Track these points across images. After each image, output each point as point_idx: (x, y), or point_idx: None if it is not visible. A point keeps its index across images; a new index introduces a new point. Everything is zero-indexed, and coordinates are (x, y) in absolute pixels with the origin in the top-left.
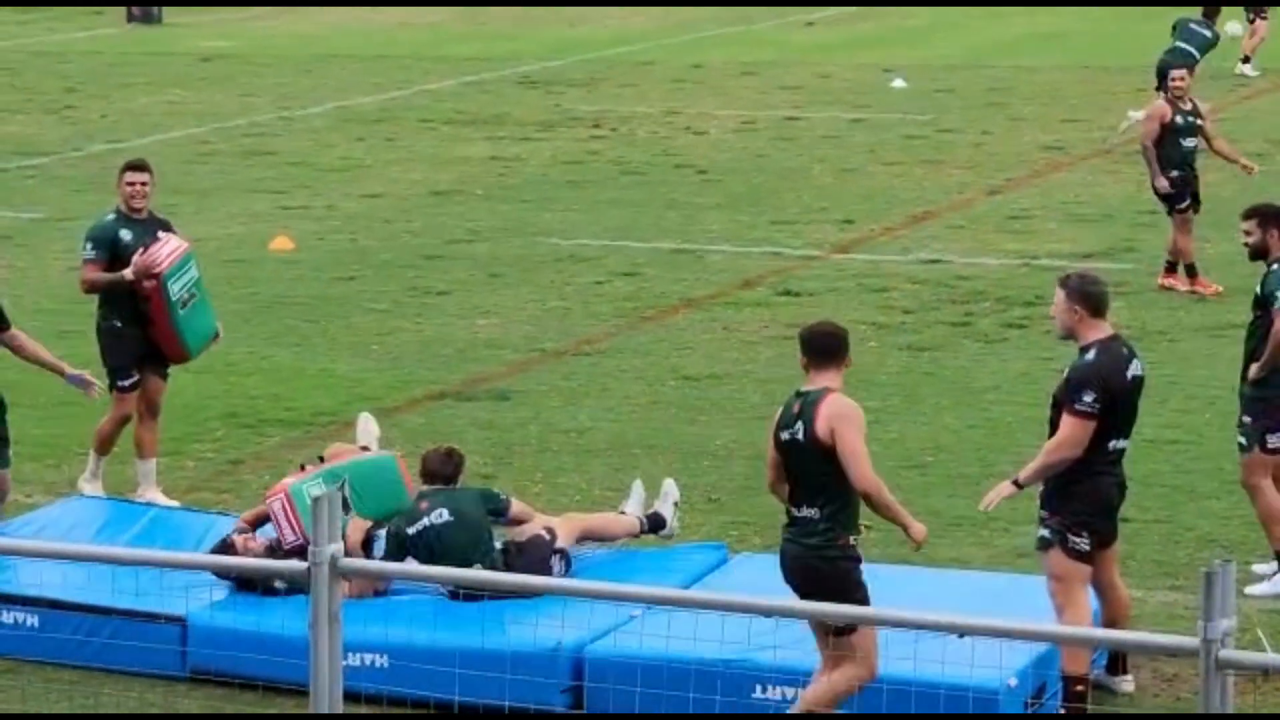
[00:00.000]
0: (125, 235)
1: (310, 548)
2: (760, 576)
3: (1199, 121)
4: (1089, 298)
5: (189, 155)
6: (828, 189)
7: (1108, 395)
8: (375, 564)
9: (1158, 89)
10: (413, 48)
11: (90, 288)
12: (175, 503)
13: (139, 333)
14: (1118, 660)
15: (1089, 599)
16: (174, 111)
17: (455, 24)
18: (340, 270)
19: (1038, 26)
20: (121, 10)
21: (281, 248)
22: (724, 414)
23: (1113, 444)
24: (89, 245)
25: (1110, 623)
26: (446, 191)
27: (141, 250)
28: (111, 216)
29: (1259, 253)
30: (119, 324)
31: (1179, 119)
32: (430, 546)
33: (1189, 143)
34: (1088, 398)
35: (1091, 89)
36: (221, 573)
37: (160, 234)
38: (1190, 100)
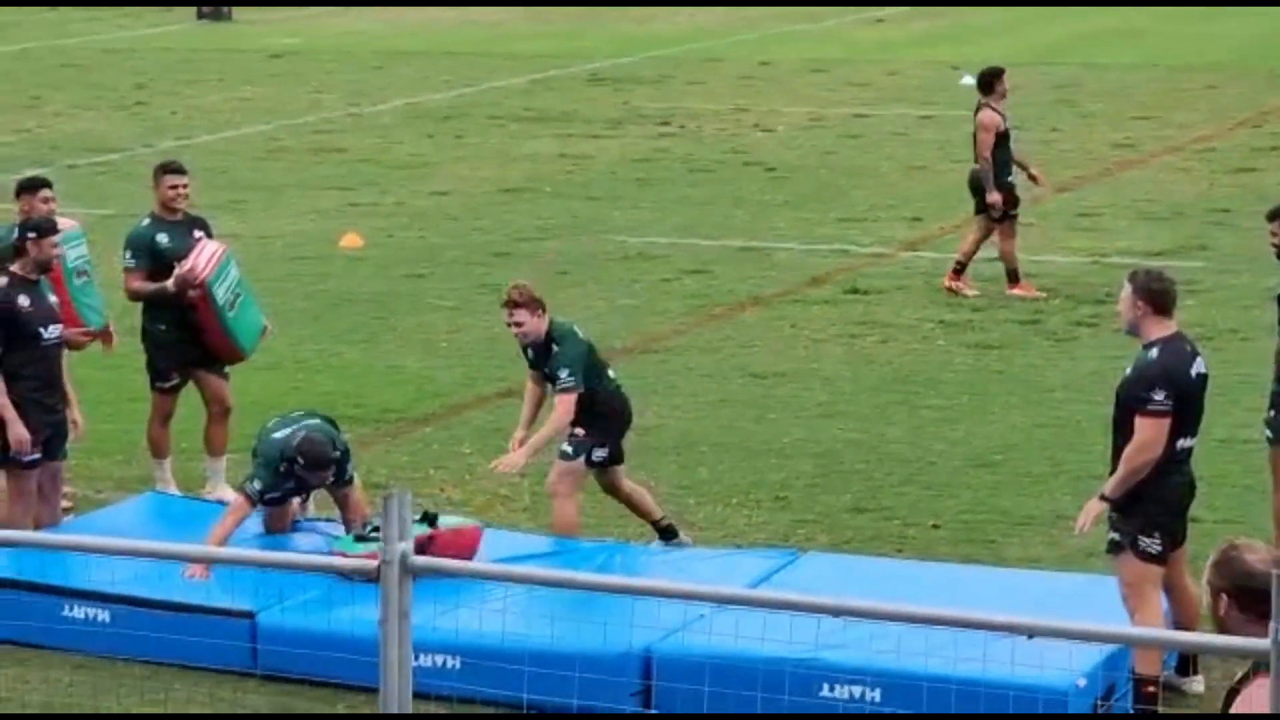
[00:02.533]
0: (162, 239)
1: (382, 545)
2: (827, 575)
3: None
4: (1154, 295)
5: (258, 152)
6: (896, 186)
7: (1175, 393)
8: (444, 562)
9: (984, 96)
10: (481, 45)
11: (134, 297)
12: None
13: (183, 337)
14: (1188, 661)
15: (1160, 600)
16: (243, 108)
17: (523, 21)
18: (409, 267)
19: (1107, 24)
20: (191, 7)
21: (350, 245)
22: (791, 412)
23: (1180, 443)
24: (128, 253)
25: (1180, 623)
26: (515, 189)
27: (179, 260)
28: (146, 221)
29: None
30: (163, 328)
31: (1007, 126)
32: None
33: (1014, 147)
34: (1158, 396)
35: (1161, 86)
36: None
37: (197, 233)
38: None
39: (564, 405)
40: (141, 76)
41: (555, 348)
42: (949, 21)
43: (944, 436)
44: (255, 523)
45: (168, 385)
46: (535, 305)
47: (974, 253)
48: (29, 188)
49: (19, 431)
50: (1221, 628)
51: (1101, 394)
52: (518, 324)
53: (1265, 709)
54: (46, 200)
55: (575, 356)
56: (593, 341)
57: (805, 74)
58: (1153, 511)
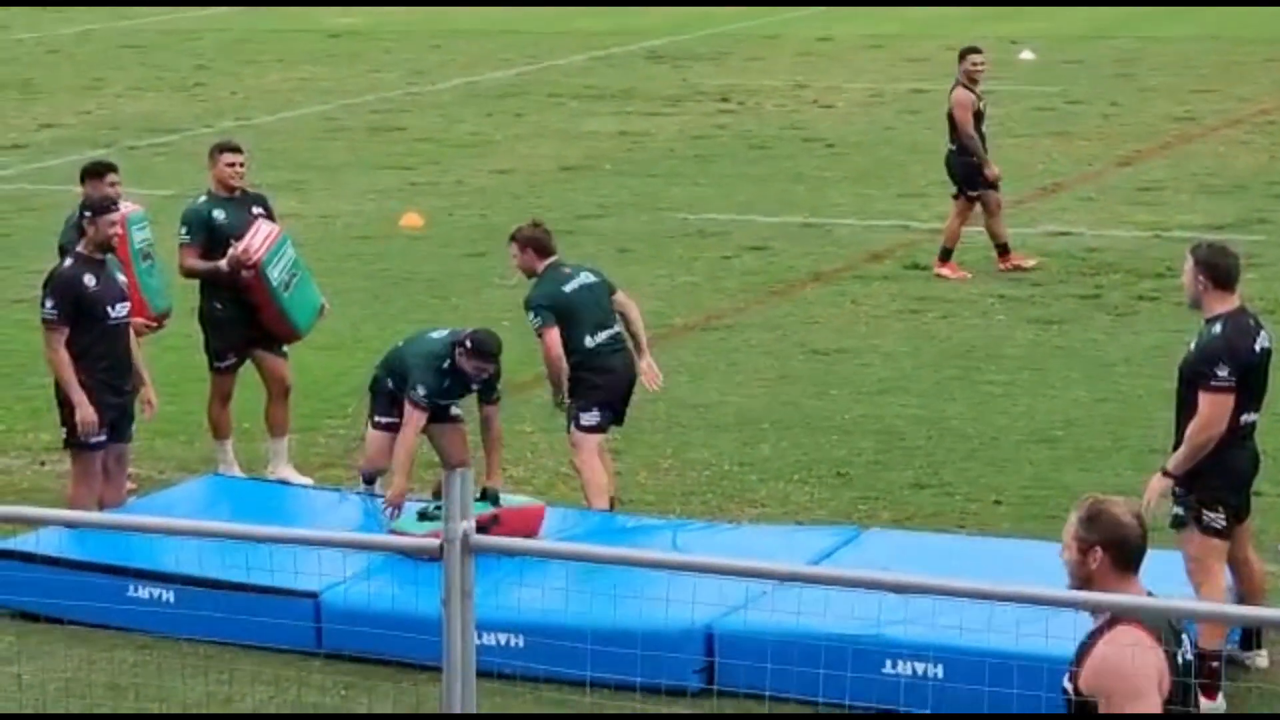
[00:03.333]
0: (219, 216)
1: (444, 525)
2: (889, 552)
3: (985, 106)
4: (1216, 269)
5: (317, 132)
6: None
7: (1239, 368)
8: (506, 540)
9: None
10: (541, 23)
11: (188, 274)
12: (308, 480)
13: (241, 316)
14: (1252, 635)
15: (1224, 574)
16: (303, 88)
17: None
18: (469, 246)
19: None
20: None
21: (411, 224)
22: (852, 388)
23: (1244, 417)
24: (184, 229)
25: (1244, 598)
26: (575, 166)
27: (235, 238)
28: (204, 198)
29: None
30: (219, 307)
31: (980, 105)
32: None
33: (984, 128)
34: (1222, 372)
35: (1222, 59)
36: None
37: (255, 210)
38: (982, 84)
39: (543, 347)
40: (201, 57)
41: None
42: None
43: (1005, 412)
44: (327, 509)
45: (224, 365)
46: (526, 245)
47: (949, 231)
48: (94, 173)
49: (86, 414)
50: (1084, 584)
51: (1163, 368)
52: (513, 256)
53: (1120, 664)
54: (113, 185)
55: (536, 297)
56: (583, 297)
57: (864, 50)
58: (1216, 486)
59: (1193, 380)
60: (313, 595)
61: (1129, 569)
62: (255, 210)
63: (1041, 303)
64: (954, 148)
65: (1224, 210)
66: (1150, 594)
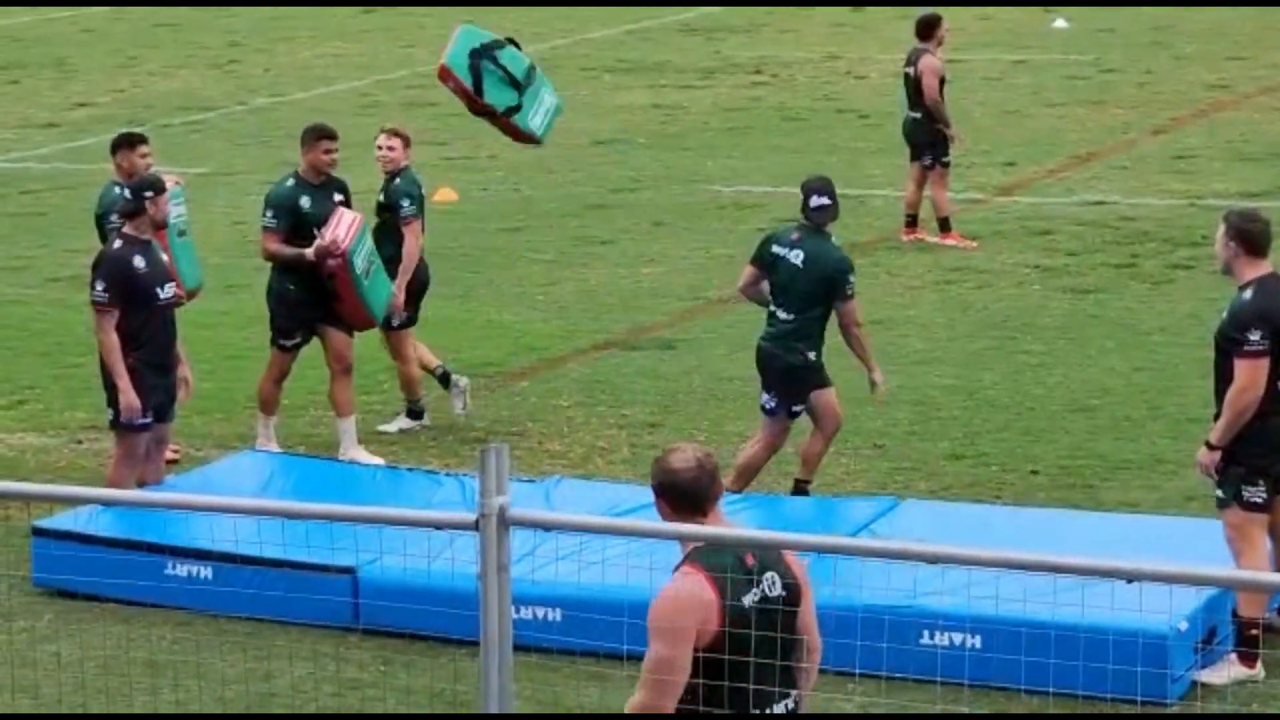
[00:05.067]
0: (305, 202)
1: (479, 499)
2: (926, 522)
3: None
4: (1246, 235)
5: (352, 108)
6: (990, 131)
7: (1272, 332)
8: (546, 514)
9: (922, 43)
10: None
11: (270, 257)
12: (379, 460)
13: (311, 297)
14: None
15: (1266, 542)
16: (336, 64)
17: None
18: (504, 221)
19: None
20: None
21: (445, 199)
22: (887, 359)
23: None
24: (269, 213)
25: None
26: (609, 140)
27: (318, 225)
28: (291, 182)
29: None
30: (291, 287)
31: (946, 72)
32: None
33: (945, 93)
34: (1254, 336)
35: (1257, 25)
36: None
37: (336, 197)
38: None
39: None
40: (234, 34)
41: (397, 180)
42: None
43: (1041, 382)
44: (364, 484)
45: (289, 344)
46: (408, 142)
47: (935, 202)
48: (126, 143)
49: (131, 399)
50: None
51: (1199, 337)
52: (389, 148)
53: (659, 604)
54: (144, 156)
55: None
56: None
57: (897, 20)
58: (1256, 454)
59: (1226, 347)
60: (350, 571)
61: (692, 511)
62: (336, 197)
63: (1077, 272)
64: (917, 115)
65: (1259, 177)
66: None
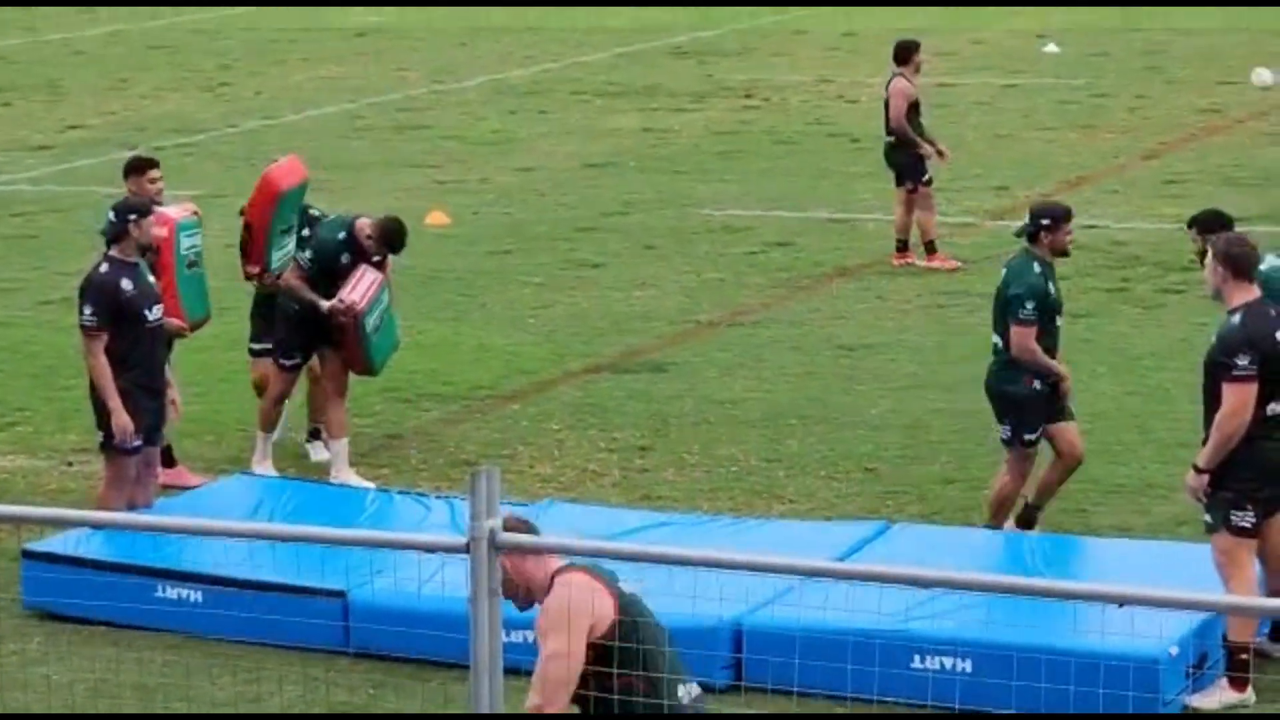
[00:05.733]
0: (345, 259)
1: (469, 523)
2: (917, 546)
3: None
4: (1233, 259)
5: (343, 130)
6: (981, 155)
7: (1259, 357)
8: (532, 539)
9: (898, 67)
10: (565, 19)
11: (289, 293)
12: (370, 483)
13: (315, 321)
14: (1278, 627)
15: (1255, 567)
16: (328, 87)
17: None
18: (495, 244)
19: None
20: None
21: (436, 222)
22: (879, 383)
23: (1270, 408)
24: (308, 254)
25: (1275, 591)
26: (600, 164)
27: (342, 279)
28: (343, 236)
29: None
30: (295, 308)
31: (918, 97)
32: None
33: (923, 120)
34: (1242, 361)
35: (1249, 50)
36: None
37: (374, 258)
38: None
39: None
40: (226, 57)
41: None
42: None
43: None
44: (354, 508)
45: (290, 363)
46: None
47: (921, 225)
48: (136, 168)
49: (122, 421)
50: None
51: (1190, 361)
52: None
53: (555, 603)
54: (154, 181)
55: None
56: None
57: (889, 44)
58: (1245, 479)
59: (1215, 372)
60: (340, 594)
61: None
62: (374, 258)
63: (1068, 296)
64: (891, 140)
65: (1249, 203)
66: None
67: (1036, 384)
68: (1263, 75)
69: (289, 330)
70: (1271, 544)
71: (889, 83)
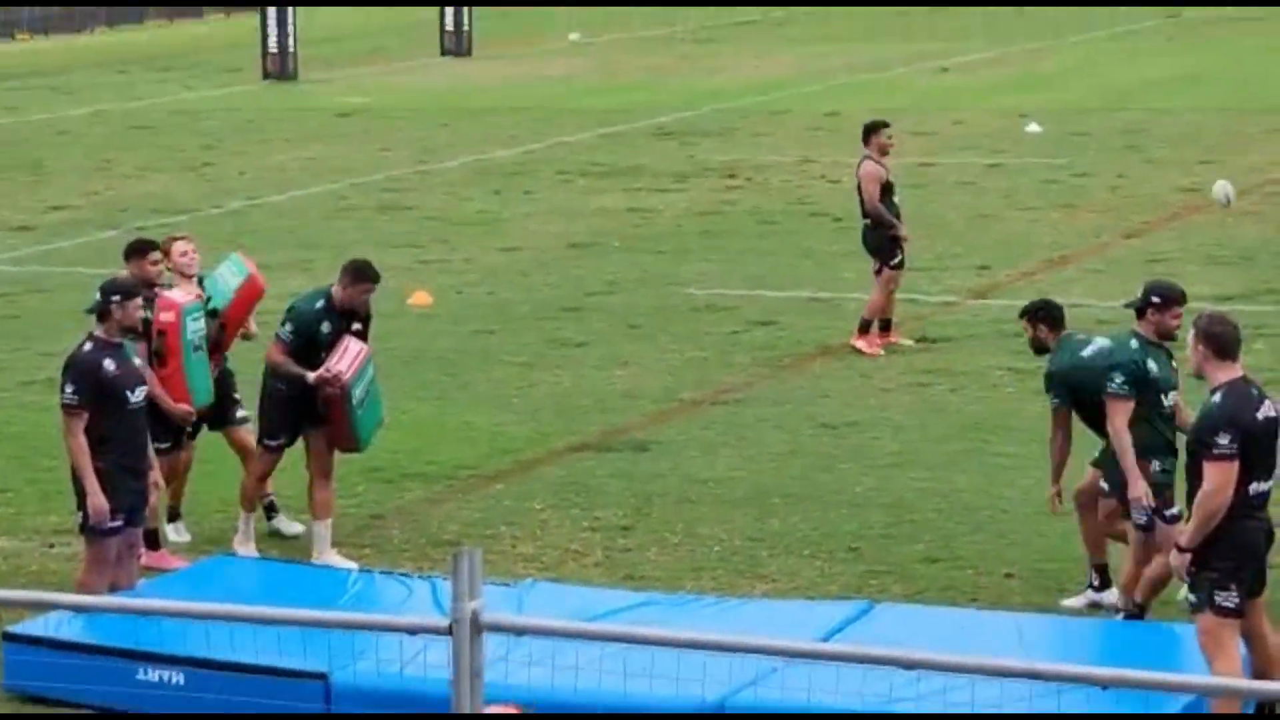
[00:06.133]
0: (325, 329)
1: (451, 604)
2: (901, 626)
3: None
4: (1213, 338)
5: (326, 211)
6: (963, 235)
7: (1240, 436)
8: (519, 619)
9: (865, 147)
10: (549, 100)
11: (274, 369)
12: (352, 564)
13: (301, 399)
14: (1263, 708)
15: (1238, 647)
16: (311, 167)
17: (591, 76)
18: (478, 324)
19: (1173, 69)
20: (258, 68)
21: (420, 303)
22: (862, 462)
23: (1253, 487)
24: (289, 327)
25: (1259, 671)
26: (583, 244)
27: (327, 350)
28: (321, 305)
29: None
30: (281, 387)
31: (890, 177)
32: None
33: (896, 200)
34: (1223, 440)
35: (1229, 130)
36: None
37: (355, 326)
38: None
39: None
40: (209, 137)
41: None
42: (1015, 69)
43: (1015, 484)
44: (336, 589)
45: (275, 444)
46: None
47: (872, 303)
48: (138, 250)
49: (98, 502)
50: None
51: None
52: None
53: None
54: (155, 263)
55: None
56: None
57: None
58: (1229, 560)
59: (1196, 450)
60: (322, 676)
61: None
62: (355, 326)
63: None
64: (867, 222)
65: (1232, 281)
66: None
67: (1153, 464)
68: (1222, 192)
69: (275, 411)
70: (1255, 624)
71: (859, 165)
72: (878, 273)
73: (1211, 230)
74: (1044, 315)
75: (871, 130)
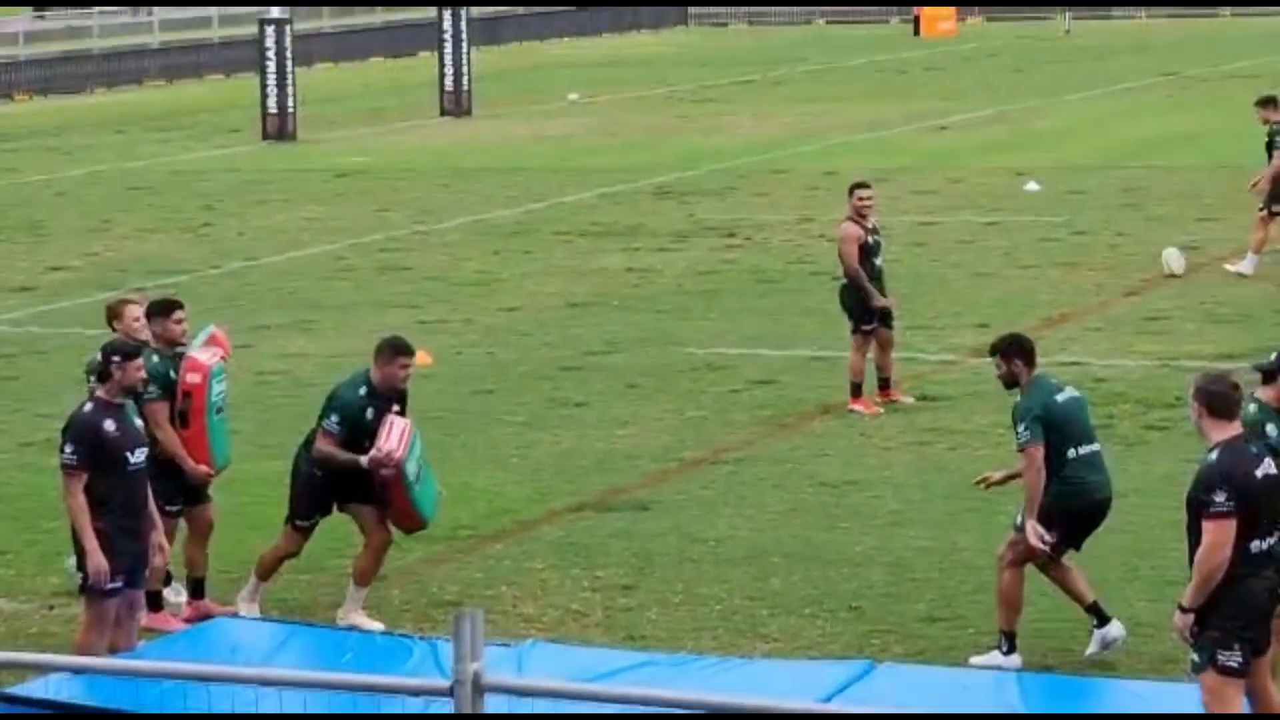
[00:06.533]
0: (369, 415)
1: (453, 665)
2: (903, 687)
3: (881, 239)
4: (1209, 397)
5: (326, 272)
6: (963, 293)
7: (1237, 494)
8: (520, 680)
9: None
10: (547, 160)
11: (324, 461)
12: (377, 625)
13: (336, 481)
14: None
15: (1242, 706)
16: (310, 228)
17: (589, 136)
18: (478, 384)
19: (1172, 126)
20: (257, 128)
21: (420, 363)
22: (862, 521)
23: (1254, 545)
24: (335, 418)
25: None
26: (583, 303)
27: (372, 434)
28: (364, 391)
29: None
30: (318, 474)
31: (870, 239)
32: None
33: (878, 261)
34: (1219, 498)
35: (1228, 188)
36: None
37: (393, 408)
38: (872, 218)
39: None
40: (208, 198)
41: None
42: (1013, 128)
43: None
44: (334, 650)
45: (305, 524)
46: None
47: (851, 366)
48: (162, 310)
49: (98, 562)
50: None
51: (1174, 498)
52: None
53: None
54: (179, 322)
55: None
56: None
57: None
58: (1231, 617)
59: (1195, 509)
60: None
61: None
62: (395, 407)
63: None
64: (845, 282)
65: (1232, 339)
66: None
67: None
68: (1171, 260)
69: (309, 494)
70: (1262, 683)
71: (839, 226)
72: (855, 331)
73: (1211, 288)
74: (1018, 350)
75: (849, 191)
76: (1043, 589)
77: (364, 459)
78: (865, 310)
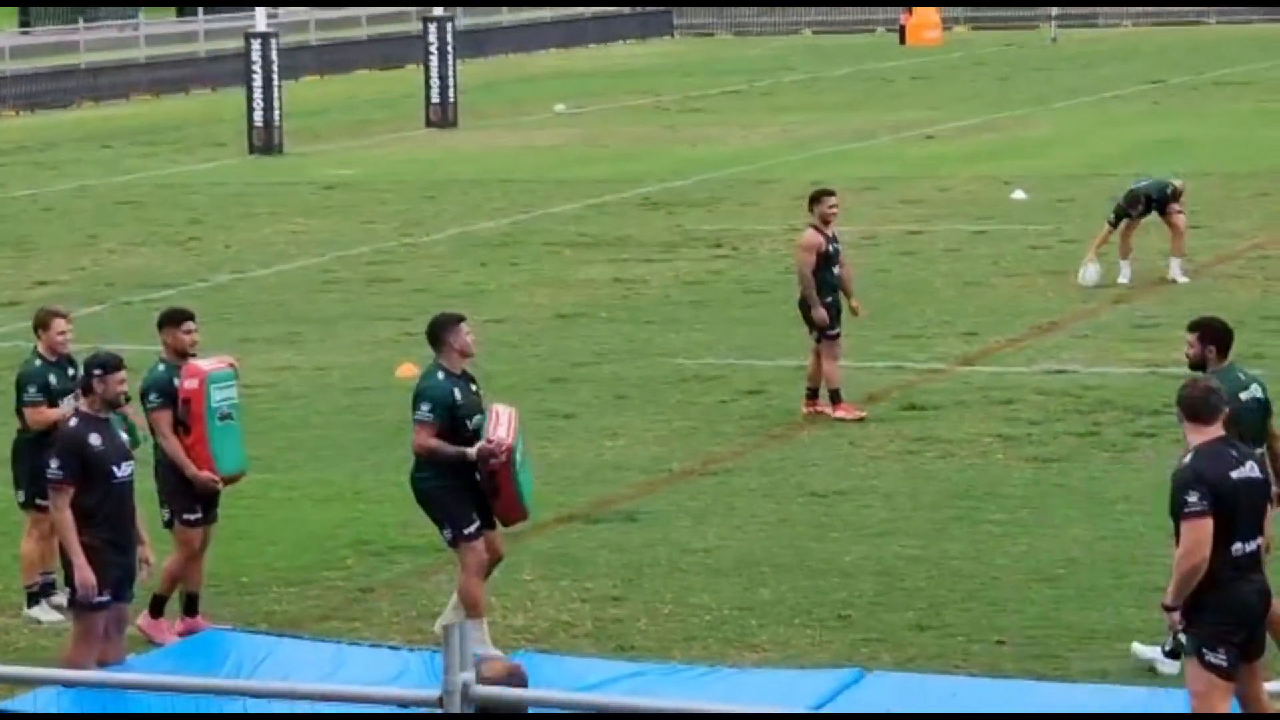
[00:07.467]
0: (458, 395)
1: (443, 676)
2: (892, 696)
3: (839, 246)
4: (1185, 402)
5: (313, 284)
6: (950, 302)
7: (1211, 494)
8: (507, 691)
9: (810, 214)
10: (535, 171)
11: (430, 453)
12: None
13: (467, 483)
14: None
15: (1229, 708)
16: (297, 241)
17: (576, 147)
18: None
19: (1157, 134)
20: (244, 141)
21: (407, 375)
22: (851, 530)
23: (1236, 548)
24: (425, 406)
25: None
26: (571, 314)
27: (467, 417)
28: (441, 375)
29: None
30: (440, 485)
31: (830, 247)
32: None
33: (836, 270)
34: (1192, 498)
35: (1213, 195)
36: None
37: (473, 388)
38: (834, 226)
39: None
40: (195, 212)
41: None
42: (1000, 136)
43: (1005, 551)
44: (324, 662)
45: (473, 529)
46: None
47: (825, 374)
48: (172, 320)
49: (85, 575)
50: None
51: (1163, 505)
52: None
53: None
54: (189, 332)
55: None
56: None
57: (857, 192)
58: (1218, 622)
59: (1172, 511)
60: None
61: None
62: (473, 387)
63: (1040, 441)
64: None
65: None
66: None
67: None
68: (1088, 275)
69: (458, 502)
70: (1253, 691)
71: (804, 233)
72: (818, 340)
73: (1199, 295)
74: (1215, 337)
75: (814, 198)
76: (1032, 597)
77: (471, 450)
78: (830, 317)
